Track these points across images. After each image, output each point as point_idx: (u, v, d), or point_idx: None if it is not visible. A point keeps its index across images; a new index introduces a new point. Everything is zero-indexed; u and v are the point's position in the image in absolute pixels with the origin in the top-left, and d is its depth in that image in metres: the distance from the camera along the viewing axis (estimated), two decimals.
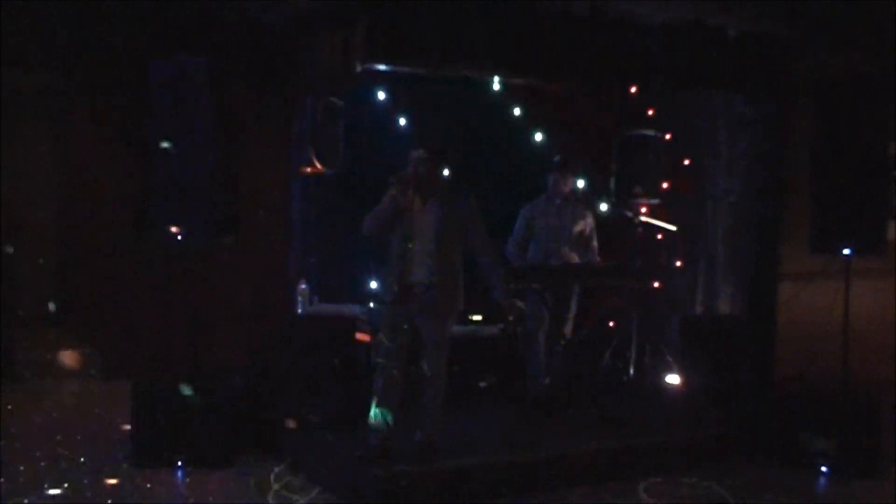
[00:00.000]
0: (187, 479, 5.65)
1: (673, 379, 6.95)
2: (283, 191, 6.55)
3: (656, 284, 7.27)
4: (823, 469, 6.16)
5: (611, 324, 7.64)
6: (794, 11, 6.81)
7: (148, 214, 5.95)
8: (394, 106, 7.27)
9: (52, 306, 7.24)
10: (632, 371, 7.21)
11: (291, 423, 5.94)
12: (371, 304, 6.45)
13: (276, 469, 5.79)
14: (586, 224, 6.99)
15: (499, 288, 5.64)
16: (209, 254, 6.31)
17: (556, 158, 7.07)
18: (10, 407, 6.84)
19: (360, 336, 6.58)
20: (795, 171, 7.00)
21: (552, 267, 6.77)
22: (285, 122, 6.58)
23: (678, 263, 7.64)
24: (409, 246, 5.42)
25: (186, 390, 5.78)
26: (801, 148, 6.80)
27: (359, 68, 6.04)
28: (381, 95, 7.23)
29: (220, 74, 5.92)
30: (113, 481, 5.51)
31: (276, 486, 5.51)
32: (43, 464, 5.73)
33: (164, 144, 5.67)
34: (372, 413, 5.43)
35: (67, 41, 6.88)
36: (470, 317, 7.14)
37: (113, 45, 6.71)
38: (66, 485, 5.37)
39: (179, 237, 5.87)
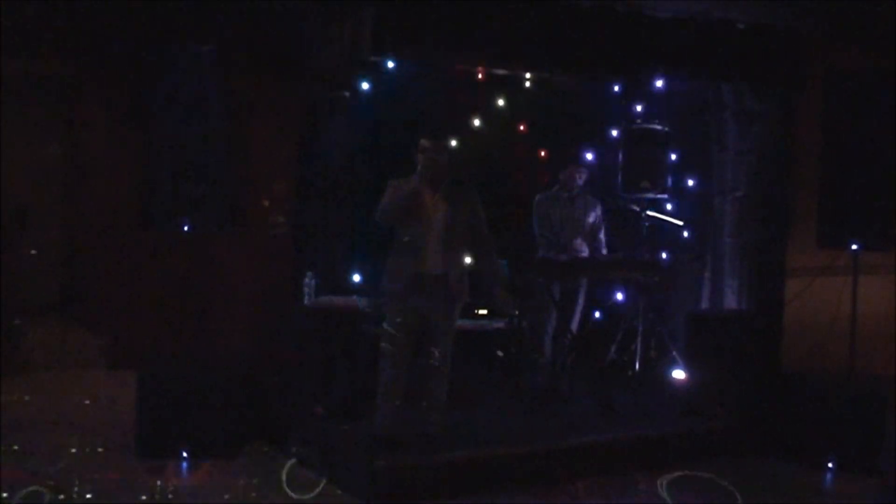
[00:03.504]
0: (192, 471, 5.63)
1: (678, 373, 6.95)
2: (289, 181, 6.50)
3: (663, 279, 7.23)
4: (829, 465, 6.15)
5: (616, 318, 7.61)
6: (804, 5, 6.79)
7: (154, 203, 5.92)
8: (402, 97, 7.19)
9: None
10: (637, 365, 7.20)
11: (319, 410, 5.97)
12: (378, 295, 6.34)
13: (282, 460, 5.75)
14: (597, 215, 7.09)
15: (496, 290, 5.66)
16: (215, 243, 6.30)
17: (571, 153, 7.16)
18: (14, 397, 6.83)
19: (367, 328, 6.43)
20: (803, 166, 7.00)
21: (560, 261, 6.76)
22: (292, 113, 6.54)
23: (685, 258, 7.64)
24: (419, 236, 5.40)
25: None
26: (809, 142, 6.78)
27: (366, 60, 6.03)
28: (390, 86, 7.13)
29: (228, 63, 5.92)
30: (117, 472, 5.48)
31: (281, 478, 5.47)
32: (47, 454, 5.71)
33: None
34: None
35: (74, 28, 6.85)
36: (476, 310, 7.13)
37: (120, 33, 6.69)
38: (70, 476, 5.34)
39: (185, 226, 5.85)
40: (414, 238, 5.40)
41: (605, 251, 7.11)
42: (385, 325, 5.47)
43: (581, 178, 7.04)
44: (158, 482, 5.35)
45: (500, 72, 6.99)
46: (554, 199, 7.05)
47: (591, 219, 7.03)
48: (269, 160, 6.46)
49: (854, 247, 6.28)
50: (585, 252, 7.02)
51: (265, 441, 6.06)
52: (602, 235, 7.12)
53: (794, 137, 7.11)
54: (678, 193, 7.57)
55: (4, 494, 4.91)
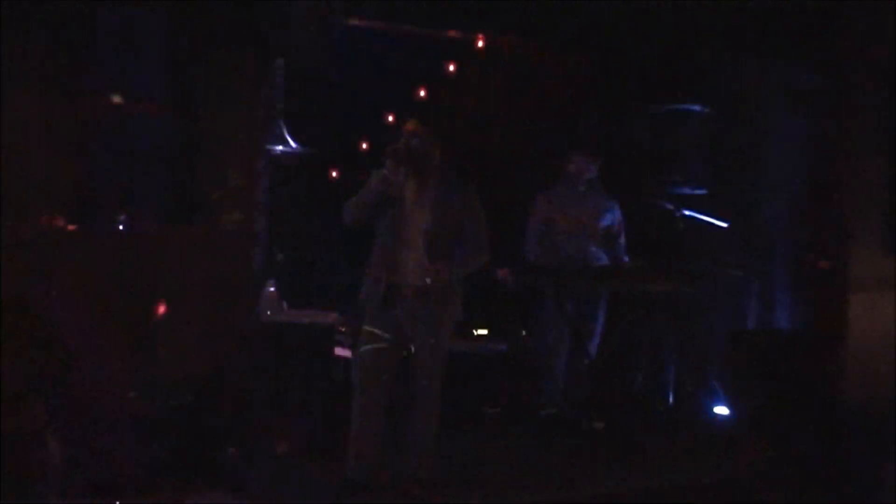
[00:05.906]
0: None
1: (720, 408, 6.62)
2: (248, 172, 6.06)
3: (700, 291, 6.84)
4: None
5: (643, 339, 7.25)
6: None
7: (87, 196, 5.54)
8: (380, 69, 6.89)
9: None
10: (668, 396, 6.84)
11: (281, 447, 5.58)
12: (352, 310, 6.03)
13: None
14: (614, 216, 6.56)
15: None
16: (158, 245, 5.85)
17: (579, 137, 6.75)
18: None
19: (340, 350, 6.18)
20: (867, 156, 6.55)
21: (573, 270, 6.31)
22: (252, 90, 6.10)
23: (728, 267, 7.23)
24: (400, 240, 4.94)
25: None
26: (873, 128, 6.44)
27: (337, 26, 5.82)
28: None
29: (178, 31, 5.59)
30: None
31: None
32: None
33: None
34: None
35: None
36: (473, 330, 6.82)
37: None
38: None
39: (122, 225, 5.51)
40: (392, 243, 4.96)
41: (626, 259, 6.60)
42: (361, 346, 5.03)
43: (593, 170, 6.46)
44: None
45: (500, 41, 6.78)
46: (559, 196, 6.49)
47: (605, 221, 6.49)
48: (225, 145, 6.01)
49: None
50: (604, 261, 6.51)
51: (216, 483, 5.38)
52: (622, 240, 6.59)
53: (854, 123, 6.65)
54: (719, 189, 7.20)
55: None
